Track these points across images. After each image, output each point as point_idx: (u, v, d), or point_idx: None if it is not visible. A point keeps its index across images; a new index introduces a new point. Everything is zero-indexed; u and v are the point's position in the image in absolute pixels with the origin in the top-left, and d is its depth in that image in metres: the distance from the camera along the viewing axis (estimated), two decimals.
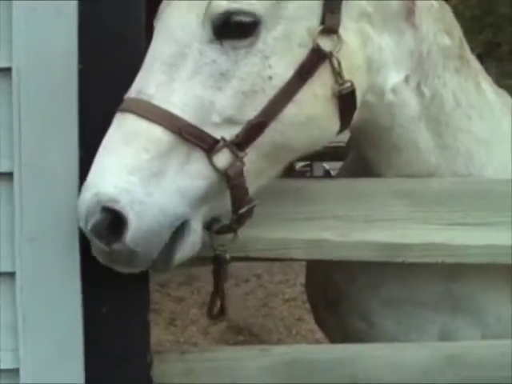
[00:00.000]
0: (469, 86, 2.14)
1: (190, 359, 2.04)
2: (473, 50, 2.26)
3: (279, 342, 6.41)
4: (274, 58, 1.69)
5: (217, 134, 1.66)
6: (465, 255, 2.02)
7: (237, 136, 1.67)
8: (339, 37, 1.76)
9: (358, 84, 1.82)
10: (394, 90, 1.99)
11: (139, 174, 1.59)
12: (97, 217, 1.57)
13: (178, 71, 1.66)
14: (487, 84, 2.27)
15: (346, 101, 1.81)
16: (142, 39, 1.85)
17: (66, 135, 1.83)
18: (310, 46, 1.72)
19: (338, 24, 1.76)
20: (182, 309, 7.22)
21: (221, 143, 1.65)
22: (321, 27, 1.73)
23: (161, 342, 6.01)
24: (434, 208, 2.07)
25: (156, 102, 1.64)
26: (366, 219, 2.06)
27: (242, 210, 1.74)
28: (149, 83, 1.66)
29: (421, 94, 2.03)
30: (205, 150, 1.64)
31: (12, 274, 1.85)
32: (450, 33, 2.09)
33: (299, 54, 1.72)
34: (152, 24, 1.79)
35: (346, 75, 1.78)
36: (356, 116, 1.89)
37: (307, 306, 3.42)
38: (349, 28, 1.80)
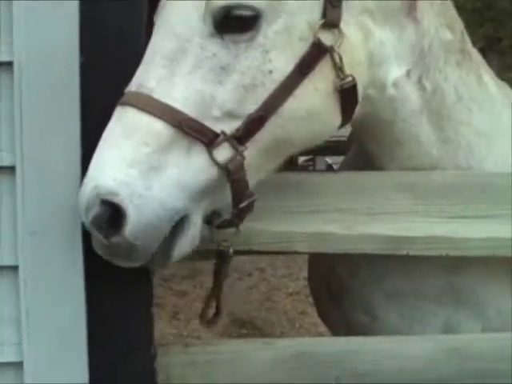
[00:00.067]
0: (470, 80, 2.13)
1: (194, 352, 2.05)
2: (474, 43, 2.26)
3: (282, 335, 6.41)
4: (275, 51, 1.69)
5: (217, 128, 1.66)
6: (466, 248, 2.03)
7: (237, 130, 1.67)
8: (340, 31, 1.76)
9: (360, 78, 1.83)
10: (395, 85, 1.99)
11: (139, 167, 1.59)
12: (96, 209, 1.57)
13: (179, 65, 1.66)
14: (489, 77, 2.27)
15: (347, 95, 1.81)
16: (142, 34, 1.86)
17: (67, 129, 1.83)
18: (310, 39, 1.72)
19: (339, 18, 1.76)
20: (184, 303, 7.23)
21: (221, 137, 1.65)
22: (322, 21, 1.73)
23: (164, 336, 6.02)
24: (436, 201, 2.08)
25: (156, 95, 1.64)
26: (369, 212, 2.07)
27: (243, 204, 1.74)
28: (149, 77, 1.66)
29: (422, 88, 2.03)
30: (205, 143, 1.64)
31: (15, 268, 1.86)
32: (451, 27, 2.09)
33: (300, 48, 1.72)
34: (152, 19, 1.79)
35: (347, 69, 1.78)
36: (357, 110, 1.89)
37: (310, 299, 3.42)
38: (350, 22, 1.80)
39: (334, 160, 11.46)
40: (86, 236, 1.76)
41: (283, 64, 1.70)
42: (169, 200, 1.61)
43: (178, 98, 1.64)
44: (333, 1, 1.75)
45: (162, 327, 6.16)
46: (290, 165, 1.96)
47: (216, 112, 1.66)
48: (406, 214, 2.07)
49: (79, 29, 1.82)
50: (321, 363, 2.05)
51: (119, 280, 1.85)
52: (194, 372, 2.02)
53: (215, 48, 1.67)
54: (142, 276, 1.86)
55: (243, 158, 1.68)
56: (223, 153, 1.66)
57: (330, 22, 1.74)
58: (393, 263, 2.19)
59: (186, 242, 1.69)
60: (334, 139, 2.28)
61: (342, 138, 3.94)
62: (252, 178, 1.73)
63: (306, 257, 2.94)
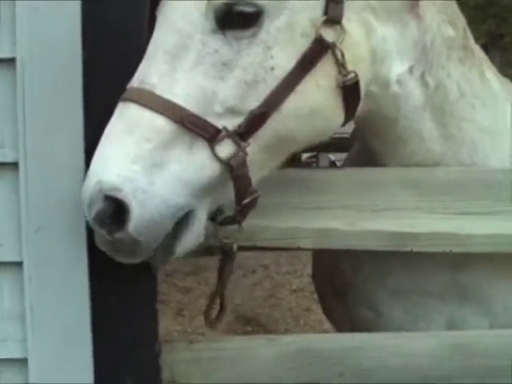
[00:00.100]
0: (473, 76, 2.13)
1: (198, 348, 2.05)
2: (477, 40, 2.25)
3: (286, 332, 6.41)
4: (277, 48, 1.69)
5: (219, 124, 1.66)
6: (470, 244, 2.02)
7: (239, 126, 1.67)
8: (342, 27, 1.75)
9: (362, 75, 1.82)
10: (398, 81, 1.99)
11: (142, 163, 1.59)
12: (99, 205, 1.57)
13: (181, 61, 1.66)
14: (492, 73, 2.26)
15: (349, 92, 1.81)
16: (144, 29, 1.85)
17: (70, 125, 1.84)
18: (312, 36, 1.72)
19: (341, 15, 1.76)
20: (189, 299, 7.23)
21: (223, 133, 1.65)
22: (324, 18, 1.73)
23: (169, 332, 6.03)
24: (439, 197, 2.08)
25: (158, 91, 1.64)
26: (373, 209, 2.07)
27: (246, 201, 1.74)
28: (151, 73, 1.66)
29: (425, 85, 2.03)
30: (207, 139, 1.64)
31: (19, 264, 1.86)
32: (453, 23, 2.09)
33: (302, 45, 1.71)
34: (154, 14, 1.79)
35: (350, 66, 1.78)
36: (360, 107, 1.89)
37: (315, 296, 3.42)
38: (352, 19, 1.80)
39: (337, 157, 11.46)
40: (91, 232, 1.76)
41: (285, 60, 1.70)
42: (171, 196, 1.61)
43: (179, 93, 1.64)
44: None
45: (166, 324, 6.17)
46: (294, 161, 1.96)
47: (218, 108, 1.66)
48: (409, 210, 2.07)
49: (81, 24, 1.82)
50: (325, 359, 2.05)
51: (124, 276, 1.85)
52: (199, 368, 2.02)
53: (217, 44, 1.67)
54: (147, 272, 1.86)
55: (245, 154, 1.67)
56: (225, 149, 1.65)
57: (332, 18, 1.74)
58: (396, 260, 2.19)
59: (191, 238, 1.69)
60: (337, 136, 2.28)
61: (345, 135, 3.93)
62: (255, 175, 1.73)
63: (310, 253, 2.94)
